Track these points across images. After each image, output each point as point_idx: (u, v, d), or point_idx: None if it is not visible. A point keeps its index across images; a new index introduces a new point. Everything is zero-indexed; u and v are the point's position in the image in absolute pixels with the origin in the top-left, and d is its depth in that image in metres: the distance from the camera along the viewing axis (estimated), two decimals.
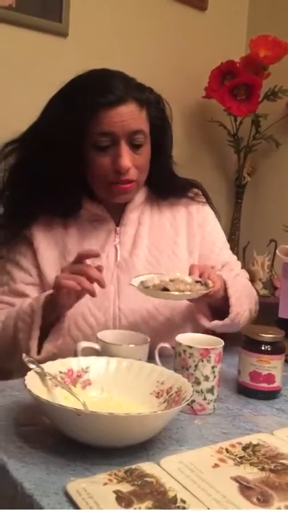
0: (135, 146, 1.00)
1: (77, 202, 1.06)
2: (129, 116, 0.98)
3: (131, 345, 0.88)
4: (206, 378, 0.80)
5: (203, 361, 0.80)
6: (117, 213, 1.10)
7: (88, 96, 0.97)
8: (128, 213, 1.10)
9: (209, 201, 1.18)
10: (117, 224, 1.10)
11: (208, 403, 0.81)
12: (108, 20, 1.73)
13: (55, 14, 1.58)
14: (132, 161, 1.00)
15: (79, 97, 0.98)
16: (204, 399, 0.80)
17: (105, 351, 0.87)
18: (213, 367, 0.81)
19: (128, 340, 0.90)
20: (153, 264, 1.08)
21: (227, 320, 1.00)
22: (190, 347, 0.80)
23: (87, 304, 1.02)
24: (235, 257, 1.22)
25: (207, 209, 1.17)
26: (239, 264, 1.21)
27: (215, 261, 1.14)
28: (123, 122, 0.97)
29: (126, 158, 0.98)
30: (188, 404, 0.78)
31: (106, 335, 0.90)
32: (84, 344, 0.89)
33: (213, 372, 0.81)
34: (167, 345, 0.86)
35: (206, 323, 1.02)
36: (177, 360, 0.82)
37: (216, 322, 1.01)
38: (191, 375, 0.80)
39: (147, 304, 1.04)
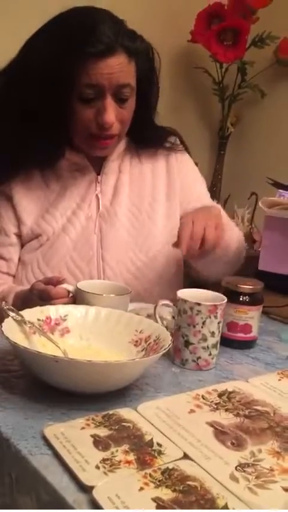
0: (120, 100, 0.96)
1: (60, 150, 1.02)
2: (118, 68, 0.92)
3: (111, 295, 0.87)
4: (212, 334, 0.80)
5: (210, 317, 0.79)
6: (97, 162, 1.07)
7: (75, 43, 0.91)
8: (109, 162, 1.07)
9: (186, 149, 1.16)
10: (98, 173, 1.07)
11: (212, 358, 0.81)
12: None
13: None
14: (116, 116, 0.96)
15: (65, 42, 0.92)
16: (210, 354, 0.80)
17: (83, 300, 0.86)
18: (219, 323, 0.80)
19: (108, 290, 0.89)
20: (134, 213, 1.08)
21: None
22: (198, 304, 0.79)
23: (70, 254, 1.02)
24: (215, 203, 1.21)
25: (186, 157, 1.16)
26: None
27: (195, 206, 1.13)
28: (112, 75, 0.92)
29: (111, 113, 0.95)
30: (193, 361, 0.79)
31: (85, 285, 0.89)
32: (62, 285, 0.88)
33: (219, 327, 0.81)
34: (167, 301, 0.83)
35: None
36: (182, 317, 0.80)
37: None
38: (198, 332, 0.79)
39: (130, 253, 1.04)
